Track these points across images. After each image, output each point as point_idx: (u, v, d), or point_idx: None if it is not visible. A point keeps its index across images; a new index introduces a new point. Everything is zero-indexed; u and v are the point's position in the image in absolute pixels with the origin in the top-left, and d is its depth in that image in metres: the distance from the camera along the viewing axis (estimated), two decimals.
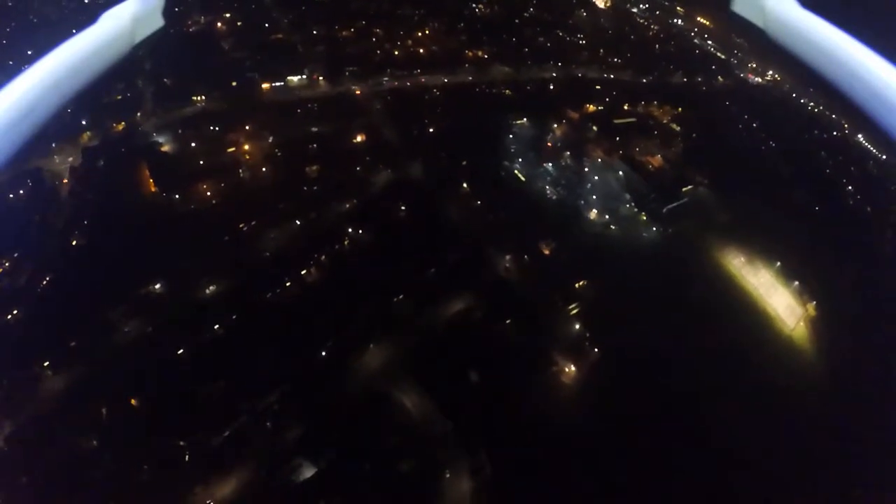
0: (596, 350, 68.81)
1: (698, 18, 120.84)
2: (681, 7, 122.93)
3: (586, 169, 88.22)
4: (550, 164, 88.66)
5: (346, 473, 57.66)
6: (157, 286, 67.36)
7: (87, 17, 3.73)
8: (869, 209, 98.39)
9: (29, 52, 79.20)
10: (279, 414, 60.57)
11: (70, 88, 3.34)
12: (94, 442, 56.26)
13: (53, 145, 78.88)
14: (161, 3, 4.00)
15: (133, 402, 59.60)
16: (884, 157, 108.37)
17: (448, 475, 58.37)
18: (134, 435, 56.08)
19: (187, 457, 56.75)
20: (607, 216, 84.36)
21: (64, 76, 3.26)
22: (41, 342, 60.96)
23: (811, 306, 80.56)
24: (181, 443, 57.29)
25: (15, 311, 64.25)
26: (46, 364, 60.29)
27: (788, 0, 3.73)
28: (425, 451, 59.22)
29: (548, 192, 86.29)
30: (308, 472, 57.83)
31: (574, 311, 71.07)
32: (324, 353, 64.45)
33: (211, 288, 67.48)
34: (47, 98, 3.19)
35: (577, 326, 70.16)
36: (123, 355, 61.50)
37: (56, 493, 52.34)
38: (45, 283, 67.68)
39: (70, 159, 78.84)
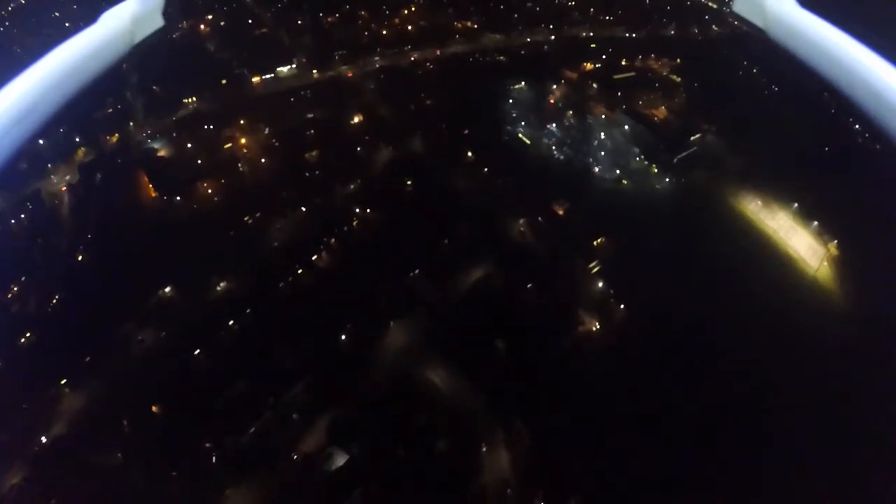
0: (622, 306, 66.73)
1: None
2: None
3: (591, 126, 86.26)
4: (554, 125, 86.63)
5: (381, 458, 55.88)
6: (167, 291, 66.10)
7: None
8: (878, 146, 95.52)
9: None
10: (305, 405, 58.99)
11: (70, 88, 3.26)
12: (119, 455, 55.01)
13: (49, 166, 77.89)
14: (161, 3, 3.89)
15: (154, 410, 58.30)
16: None
17: (485, 448, 56.34)
18: (158, 443, 54.85)
19: (215, 459, 55.37)
20: (618, 171, 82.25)
21: (64, 76, 3.22)
22: (57, 362, 60.11)
23: (832, 245, 78.12)
24: (207, 445, 55.86)
25: (28, 335, 63.44)
26: (64, 383, 59.30)
27: (788, 0, 3.66)
28: (459, 427, 57.35)
29: (554, 152, 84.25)
30: (341, 461, 56.13)
31: (595, 270, 68.93)
32: (344, 338, 62.81)
33: (222, 285, 66.12)
34: (48, 98, 3.13)
35: (600, 284, 68.08)
36: (140, 365, 60.51)
37: None
38: (54, 303, 66.74)
39: (67, 178, 77.89)
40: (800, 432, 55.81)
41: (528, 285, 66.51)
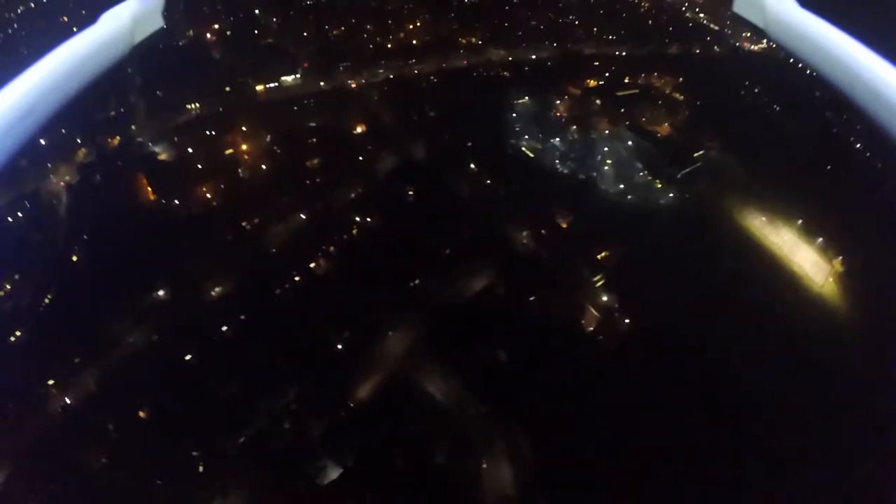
0: (626, 320, 65.61)
1: None
2: None
3: (594, 141, 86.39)
4: (558, 139, 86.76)
5: (376, 470, 54.06)
6: (161, 293, 64.85)
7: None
8: (880, 165, 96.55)
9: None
10: (298, 413, 57.32)
11: (70, 89, 3.19)
12: (104, 459, 53.27)
13: (49, 165, 77.28)
14: (161, 3, 3.81)
15: (142, 414, 56.67)
16: None
17: (486, 462, 54.52)
18: (144, 448, 53.15)
19: (202, 467, 53.64)
20: (622, 185, 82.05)
21: (64, 76, 3.14)
22: (45, 362, 58.62)
23: (837, 262, 77.85)
24: (195, 453, 54.09)
25: (18, 333, 61.91)
26: (52, 383, 57.70)
27: (789, 0, 3.60)
28: (459, 440, 55.64)
29: (558, 165, 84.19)
30: (334, 473, 54.45)
31: (599, 283, 67.97)
32: (340, 346, 61.33)
33: (217, 289, 64.88)
34: (47, 98, 3.06)
35: (605, 298, 67.06)
36: (129, 367, 58.92)
37: None
38: (46, 302, 65.54)
39: (66, 178, 77.19)
40: (803, 446, 54.59)
41: (531, 297, 65.48)
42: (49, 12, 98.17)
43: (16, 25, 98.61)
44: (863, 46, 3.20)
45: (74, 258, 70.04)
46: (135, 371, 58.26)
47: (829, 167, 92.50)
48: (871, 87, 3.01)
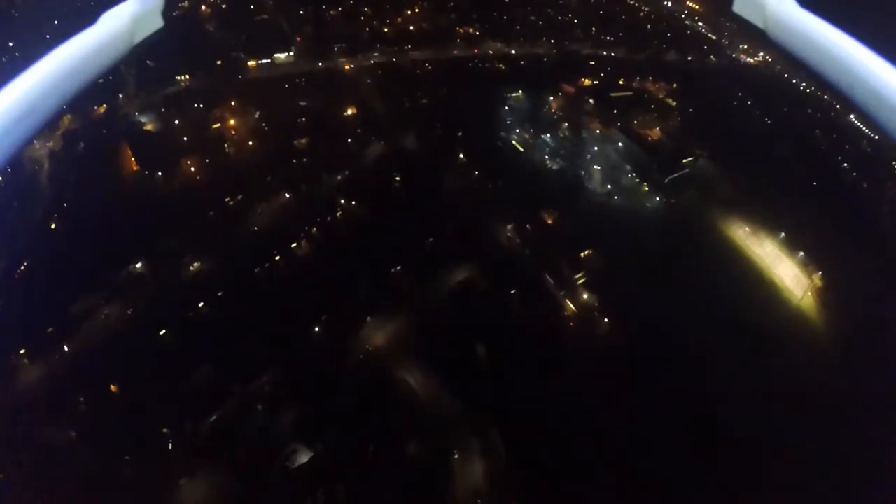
0: (605, 319, 65.84)
1: (688, 2, 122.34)
2: None
3: (585, 140, 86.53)
4: (549, 135, 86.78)
5: (347, 458, 53.63)
6: (139, 266, 63.67)
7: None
8: (865, 185, 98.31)
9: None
10: (271, 396, 56.63)
11: (70, 89, 3.24)
12: (73, 433, 52.28)
13: None
14: (161, 3, 3.87)
15: (113, 388, 55.68)
16: (876, 136, 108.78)
17: (458, 456, 54.35)
18: (114, 424, 52.18)
19: (171, 446, 52.79)
20: (609, 186, 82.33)
21: (64, 76, 3.20)
22: (17, 331, 57.16)
23: (817, 276, 78.81)
24: (164, 430, 53.24)
25: None
26: (23, 352, 56.40)
27: (789, 0, 3.63)
28: (432, 432, 55.30)
29: (547, 162, 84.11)
30: (304, 458, 53.74)
31: (581, 281, 68.14)
32: (318, 330, 60.76)
33: (195, 265, 63.99)
34: (47, 99, 3.11)
35: (585, 296, 67.19)
36: (103, 339, 57.76)
37: (32, 489, 47.93)
38: (21, 270, 64.03)
39: (49, 144, 75.42)
40: (777, 456, 55.21)
41: (512, 291, 65.38)
42: None
43: None
44: (863, 46, 3.22)
45: (53, 226, 68.65)
46: (108, 344, 57.19)
47: (814, 183, 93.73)
48: (871, 87, 3.02)
